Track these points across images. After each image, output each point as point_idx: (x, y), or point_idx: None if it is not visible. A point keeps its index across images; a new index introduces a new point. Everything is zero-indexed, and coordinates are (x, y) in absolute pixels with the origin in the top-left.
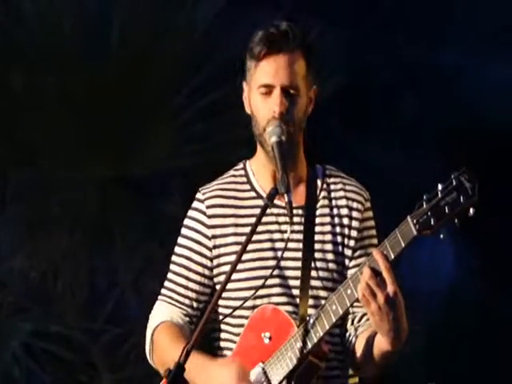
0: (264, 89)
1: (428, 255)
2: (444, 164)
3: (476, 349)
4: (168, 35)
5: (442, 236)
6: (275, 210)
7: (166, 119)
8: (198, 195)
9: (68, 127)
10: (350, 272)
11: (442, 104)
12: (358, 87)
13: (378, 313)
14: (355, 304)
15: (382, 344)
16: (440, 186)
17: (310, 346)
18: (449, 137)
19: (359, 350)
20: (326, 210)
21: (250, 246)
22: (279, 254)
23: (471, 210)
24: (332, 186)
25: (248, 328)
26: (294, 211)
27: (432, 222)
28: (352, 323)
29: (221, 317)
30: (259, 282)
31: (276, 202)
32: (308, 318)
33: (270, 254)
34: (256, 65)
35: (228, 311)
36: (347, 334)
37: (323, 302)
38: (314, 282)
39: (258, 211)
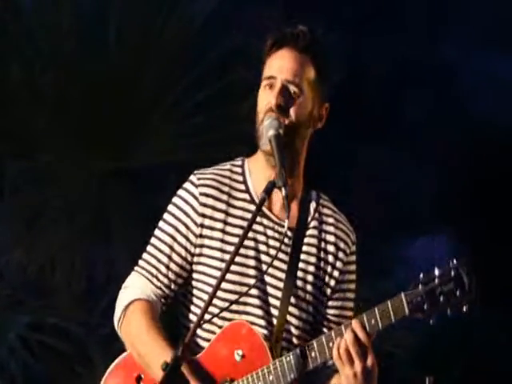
0: (267, 81)
1: (423, 254)
2: (444, 163)
3: (472, 349)
4: (165, 30)
5: (431, 322)
6: (265, 221)
7: (163, 113)
8: (193, 178)
9: (66, 121)
10: (326, 310)
11: (442, 103)
12: (357, 86)
13: (353, 379)
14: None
15: None
16: (437, 271)
17: (282, 383)
18: (449, 136)
19: None
20: (314, 241)
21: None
22: (262, 266)
23: (465, 308)
24: (324, 218)
25: (220, 338)
26: (284, 230)
27: (425, 307)
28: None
29: (192, 316)
30: (240, 288)
31: (267, 212)
32: (285, 356)
33: (252, 262)
34: (265, 61)
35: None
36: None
37: (295, 331)
38: (291, 309)
39: (248, 215)
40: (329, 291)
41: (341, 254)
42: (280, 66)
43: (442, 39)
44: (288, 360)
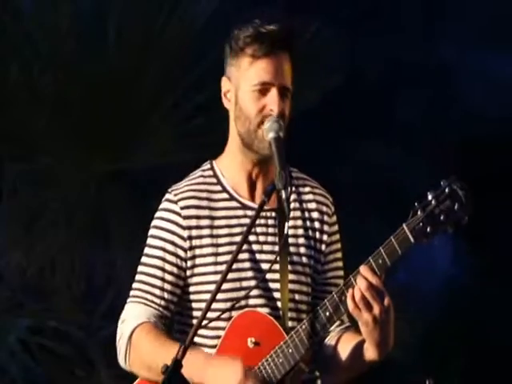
0: (261, 86)
1: (425, 249)
2: (442, 162)
3: (473, 345)
4: (165, 30)
5: (436, 243)
6: (249, 212)
7: (163, 115)
8: (169, 196)
9: (65, 123)
10: (321, 276)
11: (439, 102)
12: (355, 86)
13: (372, 324)
14: None
15: (369, 353)
16: (430, 194)
17: (303, 351)
18: (446, 135)
19: (338, 356)
20: (298, 213)
21: (227, 248)
22: (255, 255)
23: (465, 219)
24: (300, 189)
25: (231, 330)
26: (268, 214)
27: (428, 230)
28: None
29: (196, 313)
30: (238, 284)
31: (250, 204)
32: (300, 325)
33: (246, 255)
34: (251, 62)
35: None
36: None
37: (301, 306)
38: (291, 286)
39: (232, 212)
40: (321, 257)
41: (325, 217)
42: (276, 71)
43: (438, 38)
44: (304, 328)
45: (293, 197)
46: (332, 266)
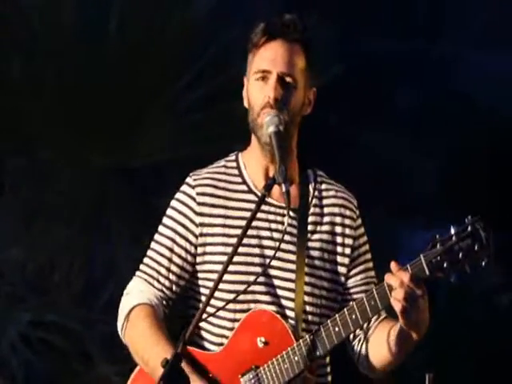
0: (260, 74)
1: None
2: (441, 155)
3: (478, 340)
4: (166, 25)
5: (452, 280)
6: (265, 207)
7: (164, 109)
8: (189, 180)
9: (66, 117)
10: (351, 280)
11: (439, 94)
12: (355, 78)
13: (416, 309)
14: None
15: (407, 336)
16: (453, 229)
17: (308, 362)
18: (446, 127)
19: (377, 349)
20: (319, 218)
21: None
22: (266, 251)
23: (483, 263)
24: (324, 193)
25: (242, 327)
26: (285, 211)
27: (445, 266)
28: (361, 328)
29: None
30: (247, 278)
31: (267, 199)
32: (308, 335)
33: (256, 250)
34: (255, 53)
35: (215, 302)
36: (357, 338)
37: (315, 309)
38: (306, 288)
39: (248, 205)
40: (347, 260)
41: (348, 221)
42: (274, 58)
43: (441, 29)
44: (311, 338)
45: (314, 201)
46: (361, 268)
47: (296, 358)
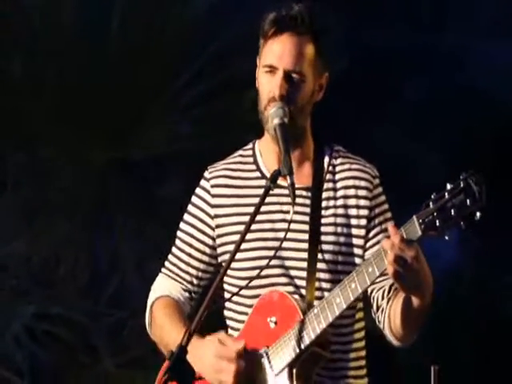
0: (268, 68)
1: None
2: (449, 149)
3: (479, 332)
4: (168, 20)
5: (447, 237)
6: (277, 191)
7: (165, 103)
8: (206, 173)
9: (67, 116)
10: (368, 252)
11: (447, 87)
12: (362, 71)
13: (409, 271)
14: (379, 279)
15: (409, 301)
16: (448, 186)
17: (313, 336)
18: (454, 120)
19: (393, 319)
20: (331, 193)
21: (252, 227)
22: (279, 234)
23: (478, 214)
24: (338, 168)
25: (255, 310)
26: (298, 192)
27: (437, 224)
28: (383, 298)
29: (227, 295)
30: (261, 263)
31: (279, 182)
32: (313, 308)
33: (270, 234)
34: (264, 43)
35: (233, 289)
36: (381, 309)
37: (327, 284)
38: (320, 265)
39: (261, 191)
40: (363, 232)
41: (363, 192)
42: (281, 54)
43: (447, 21)
44: (316, 312)
45: (328, 176)
46: (380, 237)
47: (302, 333)
